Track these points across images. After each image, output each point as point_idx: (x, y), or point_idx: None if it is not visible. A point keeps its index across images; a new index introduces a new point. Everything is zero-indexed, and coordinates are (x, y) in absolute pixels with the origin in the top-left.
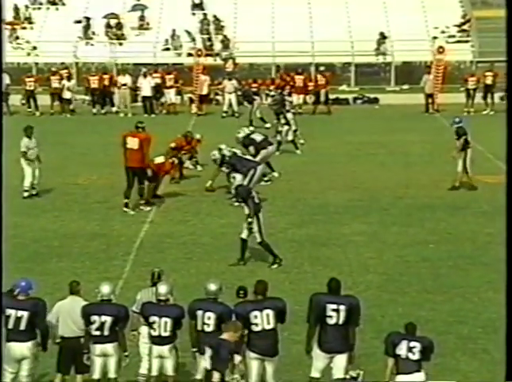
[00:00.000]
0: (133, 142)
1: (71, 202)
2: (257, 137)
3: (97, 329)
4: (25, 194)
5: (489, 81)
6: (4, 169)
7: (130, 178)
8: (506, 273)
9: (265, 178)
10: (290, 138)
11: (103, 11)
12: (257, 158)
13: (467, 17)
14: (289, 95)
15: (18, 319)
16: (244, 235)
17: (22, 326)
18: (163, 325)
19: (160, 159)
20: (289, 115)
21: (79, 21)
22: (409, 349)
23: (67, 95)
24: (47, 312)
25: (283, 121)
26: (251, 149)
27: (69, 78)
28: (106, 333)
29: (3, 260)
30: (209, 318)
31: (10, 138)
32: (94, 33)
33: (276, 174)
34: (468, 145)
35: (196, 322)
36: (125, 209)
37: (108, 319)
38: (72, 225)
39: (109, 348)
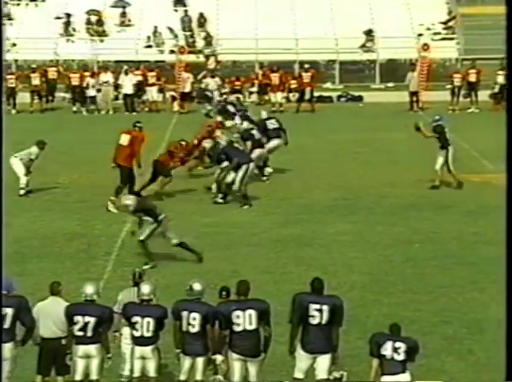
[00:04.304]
0: (124, 138)
1: (52, 202)
2: (257, 134)
3: (80, 330)
4: (22, 192)
5: (472, 79)
6: None
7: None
8: (506, 272)
9: (264, 178)
10: None
11: (84, 7)
12: (252, 156)
13: (453, 14)
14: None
15: (3, 317)
16: (142, 236)
17: (7, 324)
18: (145, 326)
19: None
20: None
21: (59, 17)
22: (394, 350)
23: (91, 92)
24: (30, 307)
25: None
26: (248, 143)
27: (93, 75)
28: (89, 334)
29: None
30: (194, 319)
31: None
32: (74, 30)
33: (270, 169)
34: (448, 143)
35: (181, 323)
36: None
37: (91, 320)
38: (53, 225)
39: (92, 349)
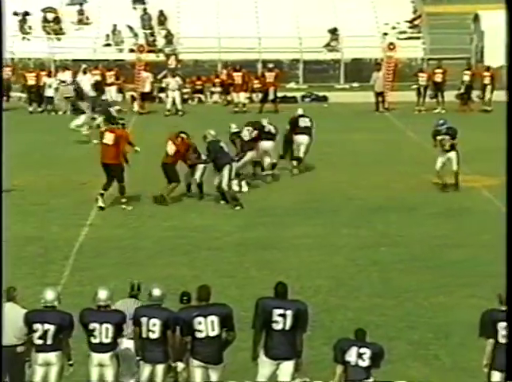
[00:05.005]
0: (109, 137)
1: (7, 205)
2: (246, 137)
3: (40, 338)
4: None
5: (438, 79)
6: None
7: (109, 175)
8: (506, 272)
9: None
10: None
11: (40, 5)
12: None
13: (418, 12)
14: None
15: None
16: None
17: None
18: (104, 332)
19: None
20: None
21: (15, 13)
22: (359, 356)
23: (48, 92)
24: None
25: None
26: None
27: (50, 74)
28: (49, 341)
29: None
30: (154, 325)
31: None
32: (30, 28)
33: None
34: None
35: (141, 329)
36: (98, 197)
37: (51, 327)
38: (8, 228)
39: (52, 356)
